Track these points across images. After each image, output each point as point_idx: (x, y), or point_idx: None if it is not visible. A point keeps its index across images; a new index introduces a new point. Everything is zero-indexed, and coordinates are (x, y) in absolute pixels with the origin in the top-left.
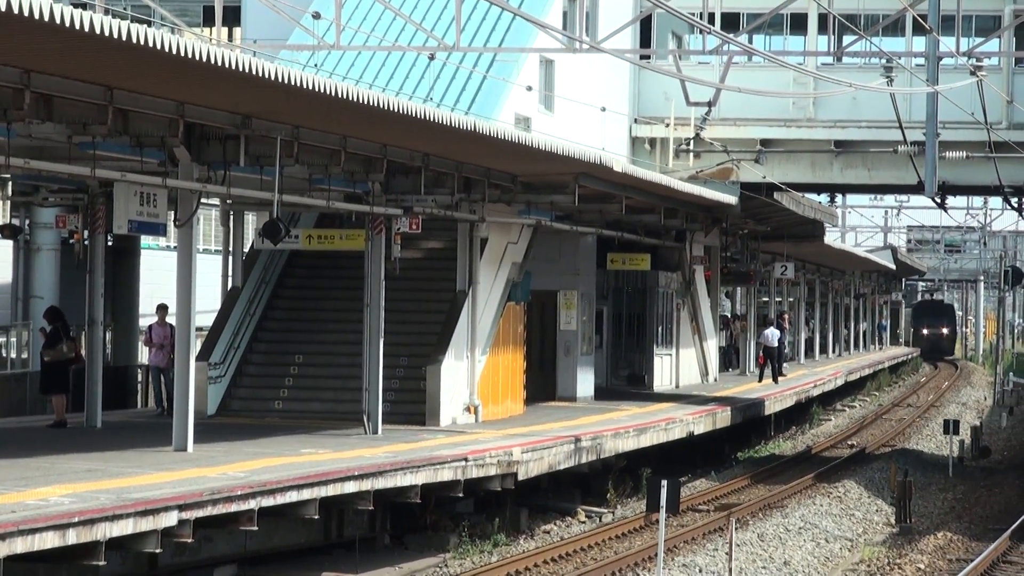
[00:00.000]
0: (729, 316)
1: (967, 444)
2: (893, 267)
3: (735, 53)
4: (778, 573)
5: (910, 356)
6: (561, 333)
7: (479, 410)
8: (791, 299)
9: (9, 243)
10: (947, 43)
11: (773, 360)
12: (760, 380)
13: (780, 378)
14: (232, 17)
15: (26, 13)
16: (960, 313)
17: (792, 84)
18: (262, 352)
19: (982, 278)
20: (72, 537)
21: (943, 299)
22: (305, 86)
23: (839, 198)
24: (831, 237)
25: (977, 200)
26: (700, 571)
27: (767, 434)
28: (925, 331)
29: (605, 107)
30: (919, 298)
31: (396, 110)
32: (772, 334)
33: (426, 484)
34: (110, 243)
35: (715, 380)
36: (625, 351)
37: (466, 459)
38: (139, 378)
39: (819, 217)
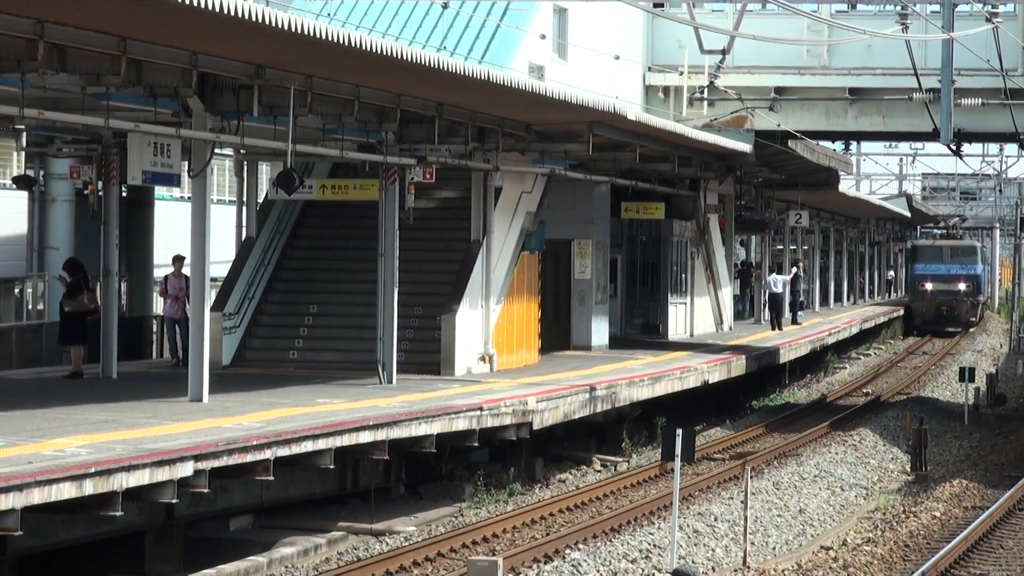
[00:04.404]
0: (745, 264)
1: (983, 392)
2: (908, 215)
3: (749, 0)
4: (793, 521)
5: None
6: (575, 282)
7: (494, 359)
8: (806, 247)
9: (24, 194)
10: None
11: (777, 307)
12: (773, 328)
13: (793, 326)
14: None
15: None
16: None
17: (806, 31)
18: (277, 302)
19: (998, 225)
20: (89, 488)
21: (962, 235)
22: (318, 35)
23: (854, 146)
24: (846, 185)
25: (993, 147)
26: (715, 519)
27: (782, 382)
28: (929, 285)
29: (619, 55)
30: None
31: (410, 59)
32: (776, 281)
33: (441, 434)
34: (124, 194)
35: (730, 328)
36: (639, 300)
37: (481, 408)
38: (154, 329)
39: (833, 165)
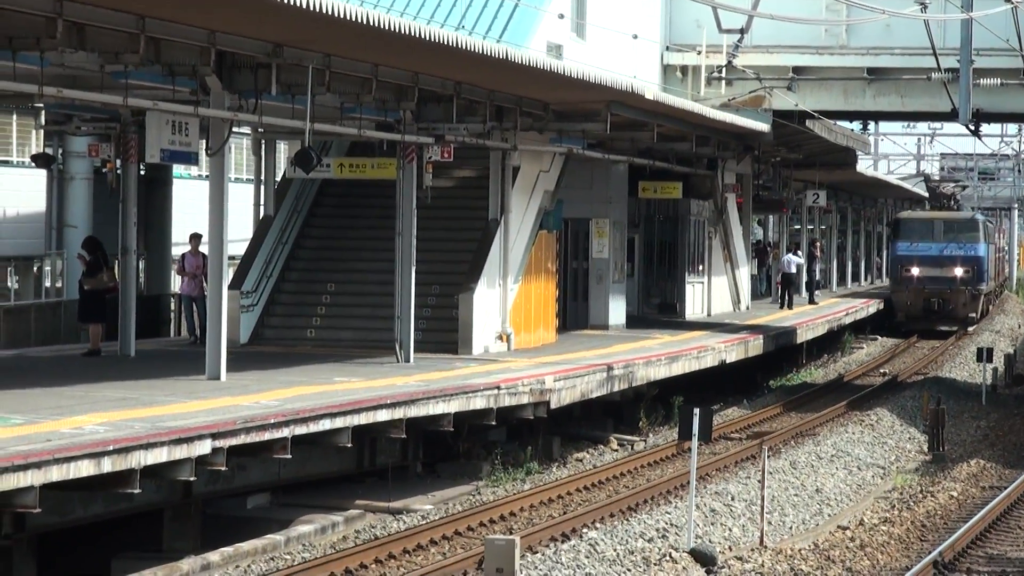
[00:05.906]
0: (762, 243)
1: (1000, 372)
2: (926, 195)
3: None
4: (810, 500)
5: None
6: (593, 261)
7: (511, 338)
8: (823, 227)
9: (43, 172)
10: None
11: (789, 286)
12: (783, 307)
13: (810, 306)
14: None
15: None
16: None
17: (825, 11)
18: (294, 281)
19: (1016, 205)
20: (107, 465)
21: (960, 205)
22: (336, 14)
23: (872, 126)
24: (863, 165)
25: (1011, 127)
26: (732, 499)
27: (799, 362)
28: (915, 271)
29: (637, 35)
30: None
31: (428, 38)
32: (789, 260)
33: (459, 412)
34: (142, 172)
35: (747, 308)
36: (657, 279)
37: (498, 387)
38: (172, 307)
39: (851, 145)
